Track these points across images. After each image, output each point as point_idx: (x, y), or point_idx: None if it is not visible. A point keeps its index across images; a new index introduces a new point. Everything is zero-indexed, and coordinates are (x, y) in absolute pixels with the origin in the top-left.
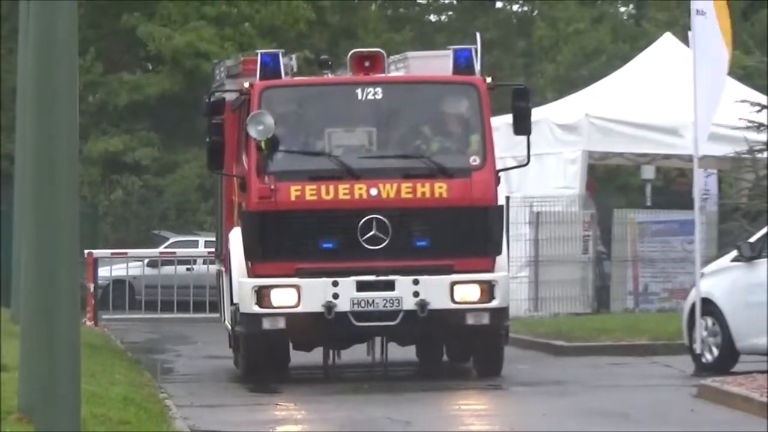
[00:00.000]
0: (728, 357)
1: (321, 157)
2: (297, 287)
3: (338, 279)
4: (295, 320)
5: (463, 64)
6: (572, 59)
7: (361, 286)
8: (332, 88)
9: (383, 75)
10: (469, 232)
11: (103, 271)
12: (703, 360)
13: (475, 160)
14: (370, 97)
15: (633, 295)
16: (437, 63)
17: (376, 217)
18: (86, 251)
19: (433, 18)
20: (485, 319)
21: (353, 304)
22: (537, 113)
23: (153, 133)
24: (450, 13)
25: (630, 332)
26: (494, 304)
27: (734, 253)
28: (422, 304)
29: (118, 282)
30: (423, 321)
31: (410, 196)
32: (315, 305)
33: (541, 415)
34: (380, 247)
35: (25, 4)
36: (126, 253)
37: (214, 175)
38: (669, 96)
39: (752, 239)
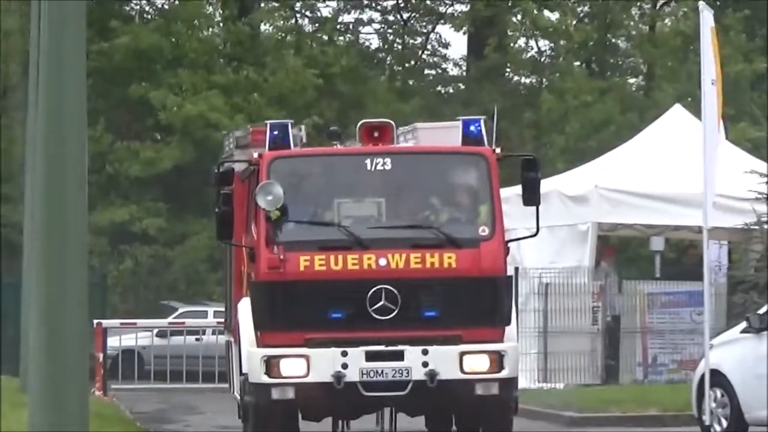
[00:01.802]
0: (737, 429)
1: (330, 227)
2: (306, 357)
3: (347, 349)
4: (305, 390)
5: (472, 135)
6: (581, 130)
7: (370, 356)
8: (341, 159)
9: (392, 146)
10: (477, 302)
11: (113, 341)
12: (712, 431)
13: (483, 231)
14: (379, 167)
15: (642, 366)
16: (446, 134)
17: (385, 288)
18: (95, 321)
19: (441, 89)
20: (494, 390)
21: (362, 374)
22: (547, 184)
23: (161, 204)
24: (459, 84)
25: (639, 403)
26: (503, 374)
27: (743, 324)
28: (431, 375)
29: (128, 352)
30: (432, 391)
31: (419, 266)
32: (324, 375)
33: None
34: (389, 317)
35: (34, 74)
36: (135, 323)
37: (224, 246)
38: (679, 167)
39: (762, 311)
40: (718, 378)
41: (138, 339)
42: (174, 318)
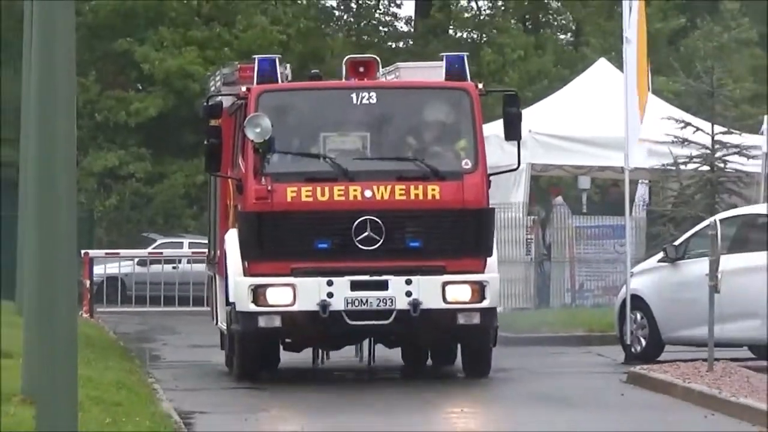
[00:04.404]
0: (655, 347)
1: (317, 159)
2: (292, 286)
3: (333, 278)
4: (291, 318)
5: (455, 71)
6: (518, 81)
7: (355, 286)
8: (328, 93)
9: (378, 80)
10: (460, 233)
11: (98, 269)
12: (633, 350)
13: (467, 164)
14: (365, 101)
15: (570, 291)
16: (428, 73)
17: (370, 218)
18: (83, 251)
19: (392, 44)
20: (476, 319)
21: (347, 303)
22: (487, 129)
23: (145, 149)
24: (408, 39)
25: (568, 325)
26: (485, 304)
27: (661, 254)
28: (415, 304)
29: (112, 279)
30: (415, 320)
31: (403, 197)
32: (310, 304)
33: (491, 399)
34: (374, 247)
35: (29, 30)
36: (118, 253)
37: (207, 182)
38: (603, 114)
39: (677, 242)
40: (638, 302)
41: (121, 267)
42: (153, 248)
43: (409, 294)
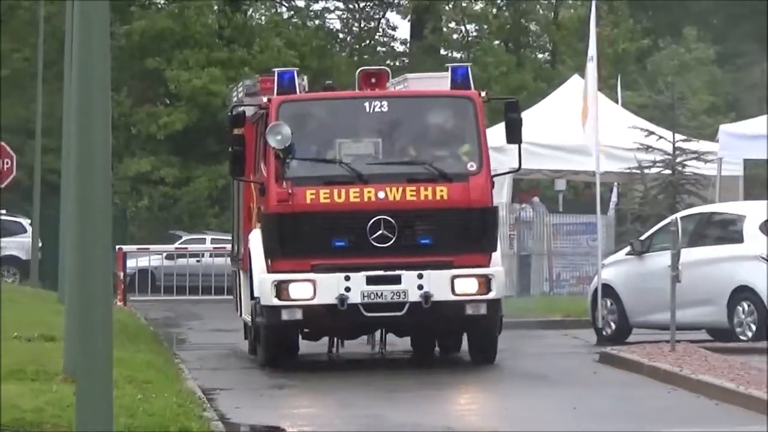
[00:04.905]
0: (623, 330)
1: (333, 164)
2: (313, 281)
3: (350, 274)
4: (311, 311)
5: (460, 80)
6: (501, 95)
7: (371, 280)
8: (343, 102)
9: (389, 90)
10: (467, 230)
11: (131, 263)
12: (604, 333)
13: (472, 166)
14: (377, 109)
15: (548, 281)
16: (434, 83)
17: (384, 218)
18: (117, 247)
19: (390, 62)
20: (482, 310)
21: (363, 296)
22: None
23: (173, 156)
24: (404, 59)
25: (546, 311)
26: (491, 295)
27: (628, 248)
28: (426, 296)
29: (143, 271)
30: (426, 311)
31: (414, 198)
32: (329, 298)
33: (483, 379)
34: (387, 244)
35: (69, 49)
36: (149, 249)
37: (229, 185)
38: (577, 124)
39: (642, 237)
40: (608, 291)
41: (151, 261)
42: (179, 244)
43: (420, 287)
